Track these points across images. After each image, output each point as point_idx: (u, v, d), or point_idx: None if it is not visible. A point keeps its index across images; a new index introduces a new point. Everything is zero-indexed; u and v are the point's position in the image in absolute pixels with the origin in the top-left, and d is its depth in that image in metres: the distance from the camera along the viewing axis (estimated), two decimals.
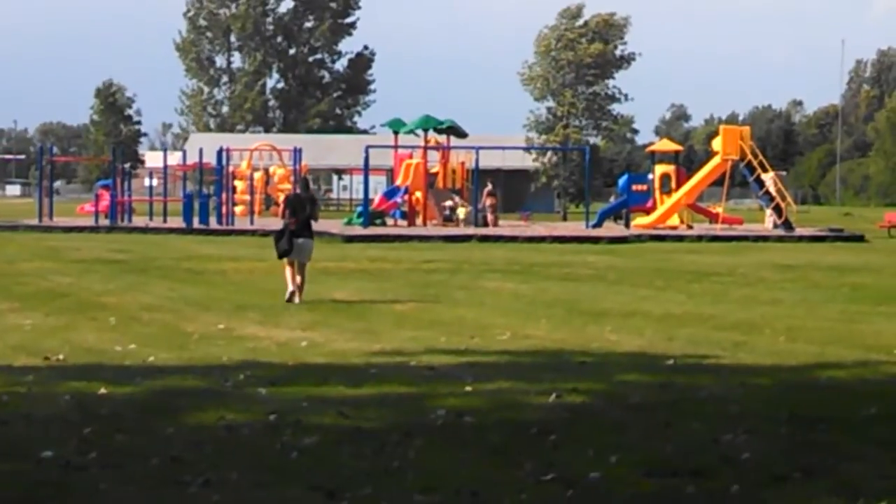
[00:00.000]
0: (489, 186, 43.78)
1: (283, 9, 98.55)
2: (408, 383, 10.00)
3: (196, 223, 39.33)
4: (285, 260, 16.94)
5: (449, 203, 42.51)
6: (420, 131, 44.78)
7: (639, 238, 35.83)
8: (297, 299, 16.56)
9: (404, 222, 42.02)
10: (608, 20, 65.99)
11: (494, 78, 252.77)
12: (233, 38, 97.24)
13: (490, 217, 42.65)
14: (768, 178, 40.39)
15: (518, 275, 22.45)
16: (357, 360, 11.41)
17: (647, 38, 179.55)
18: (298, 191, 18.51)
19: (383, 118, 51.08)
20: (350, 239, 33.73)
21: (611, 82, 67.02)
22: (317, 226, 17.96)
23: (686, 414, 8.71)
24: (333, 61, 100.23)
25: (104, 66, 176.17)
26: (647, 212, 41.40)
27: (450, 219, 41.91)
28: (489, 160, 50.83)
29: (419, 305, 16.55)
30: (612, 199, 48.78)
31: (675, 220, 40.70)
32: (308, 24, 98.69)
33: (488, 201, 43.21)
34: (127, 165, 53.19)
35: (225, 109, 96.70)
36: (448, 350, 12.04)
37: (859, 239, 36.84)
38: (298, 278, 16.76)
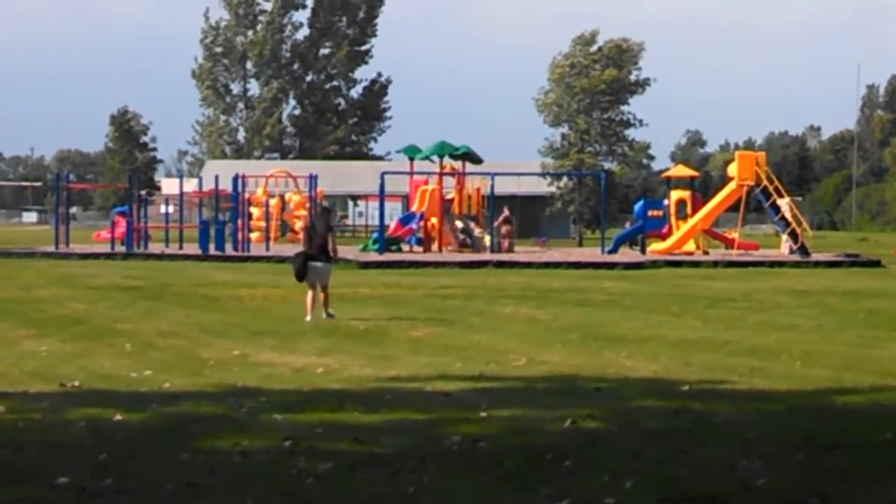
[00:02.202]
0: (506, 212, 43.77)
1: (299, 36, 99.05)
2: (423, 409, 9.99)
3: (212, 250, 39.33)
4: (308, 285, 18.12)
5: (460, 224, 42.46)
6: (435, 157, 44.77)
7: (654, 264, 35.75)
8: (323, 315, 17.77)
9: (420, 248, 42.04)
10: (622, 46, 65.99)
11: (509, 104, 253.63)
12: (249, 66, 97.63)
13: (505, 243, 42.60)
14: (784, 203, 40.34)
15: (533, 300, 22.43)
16: (372, 385, 11.42)
17: (663, 63, 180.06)
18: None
19: (399, 145, 51.30)
20: (366, 265, 33.75)
21: (626, 108, 67.14)
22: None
23: (702, 440, 8.69)
24: (349, 88, 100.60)
25: (120, 94, 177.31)
26: (663, 237, 41.32)
27: (466, 244, 41.84)
28: (505, 186, 50.84)
29: (434, 331, 16.56)
30: (627, 225, 48.55)
31: (690, 246, 40.60)
32: (324, 52, 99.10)
33: (504, 227, 43.17)
34: (143, 192, 53.29)
35: (241, 136, 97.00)
36: (463, 376, 12.04)
37: (876, 264, 36.68)
38: (322, 296, 17.93)
